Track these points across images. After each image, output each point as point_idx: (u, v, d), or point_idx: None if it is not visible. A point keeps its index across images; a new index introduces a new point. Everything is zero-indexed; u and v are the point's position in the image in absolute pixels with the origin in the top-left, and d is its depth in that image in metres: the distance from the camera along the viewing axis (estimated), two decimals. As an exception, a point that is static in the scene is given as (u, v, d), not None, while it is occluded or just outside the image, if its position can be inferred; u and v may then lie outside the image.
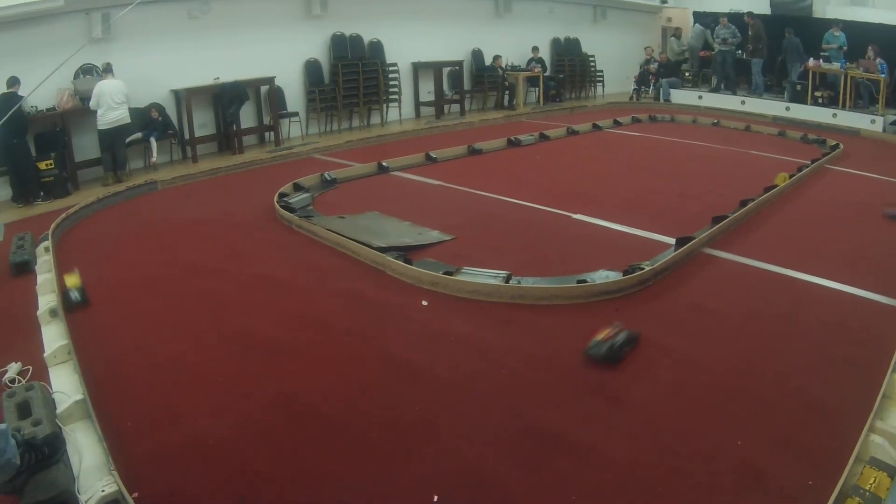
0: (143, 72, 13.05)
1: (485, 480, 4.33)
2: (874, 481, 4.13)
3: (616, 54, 25.43)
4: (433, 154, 13.74)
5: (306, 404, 5.19)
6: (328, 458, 4.54)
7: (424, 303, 6.97)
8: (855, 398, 5.17)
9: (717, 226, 9.04)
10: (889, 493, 4.08)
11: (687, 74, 24.30)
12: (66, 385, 5.29)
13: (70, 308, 6.78)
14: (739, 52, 21.95)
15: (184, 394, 5.36)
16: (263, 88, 15.33)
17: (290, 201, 10.17)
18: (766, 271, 7.99)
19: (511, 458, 4.54)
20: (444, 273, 7.34)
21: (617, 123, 19.16)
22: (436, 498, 4.13)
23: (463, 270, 7.46)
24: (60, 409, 4.81)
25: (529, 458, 4.56)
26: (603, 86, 25.00)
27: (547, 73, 22.43)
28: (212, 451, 4.59)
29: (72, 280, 7.05)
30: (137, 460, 4.44)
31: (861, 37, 19.47)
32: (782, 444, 4.70)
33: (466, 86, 20.41)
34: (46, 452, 4.08)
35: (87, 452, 4.40)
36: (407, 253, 8.05)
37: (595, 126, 18.40)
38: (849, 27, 19.88)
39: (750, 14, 21.16)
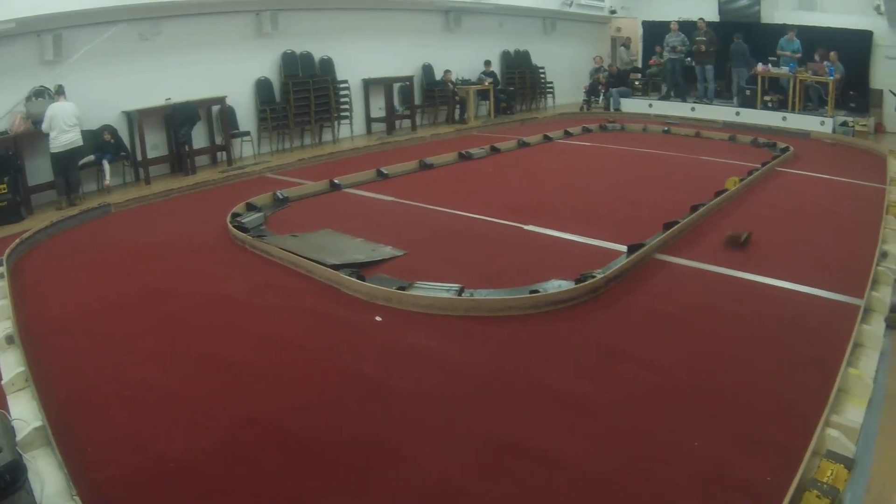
0: (94, 94, 12.98)
1: (449, 492, 4.44)
2: (831, 474, 4.30)
3: (566, 65, 25.70)
4: (385, 170, 13.83)
5: (269, 423, 5.24)
6: (293, 476, 4.59)
7: (378, 318, 7.04)
8: (811, 393, 5.36)
9: (668, 231, 9.24)
10: (847, 484, 4.24)
11: (636, 83, 24.53)
12: (25, 412, 5.29)
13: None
14: (688, 59, 22.18)
15: (146, 417, 5.38)
16: (215, 108, 15.31)
17: (244, 221, 10.20)
18: (719, 274, 8.20)
19: (475, 469, 4.65)
20: (398, 288, 7.42)
21: (568, 134, 19.33)
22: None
23: (416, 285, 7.55)
24: (20, 436, 4.80)
25: (493, 467, 4.65)
26: (553, 97, 25.23)
27: (498, 86, 22.55)
28: (176, 475, 4.62)
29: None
30: (102, 486, 4.47)
31: (810, 41, 19.88)
32: (742, 441, 4.87)
33: (417, 101, 20.47)
34: (8, 480, 4.09)
35: (48, 479, 4.42)
36: (360, 269, 8.12)
37: (546, 137, 18.56)
38: (797, 31, 20.25)
39: (702, 20, 21.41)
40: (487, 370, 6.05)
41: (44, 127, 11.64)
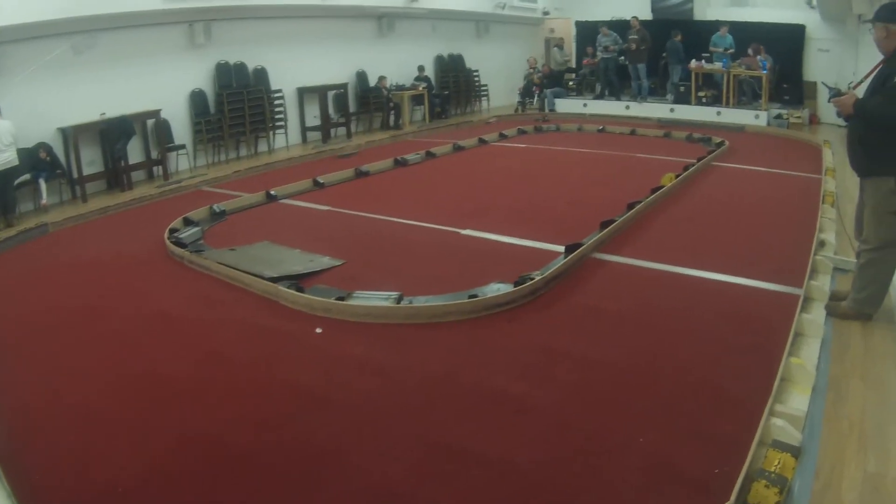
0: (29, 110, 12.67)
1: (394, 497, 4.40)
2: (779, 463, 4.34)
3: (500, 67, 25.85)
4: (320, 179, 13.75)
5: (213, 440, 5.16)
6: (239, 492, 4.53)
7: (318, 330, 6.99)
8: (754, 384, 5.42)
9: (605, 230, 9.29)
10: (795, 472, 4.30)
11: (570, 84, 24.66)
12: (-33, 443, 5.16)
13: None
14: (622, 58, 22.39)
15: (91, 441, 5.25)
16: (150, 122, 15.08)
17: (181, 236, 10.05)
18: (657, 271, 8.28)
19: (419, 474, 4.62)
20: (337, 299, 7.37)
21: (503, 136, 19.40)
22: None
23: (355, 294, 7.51)
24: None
25: (438, 472, 4.63)
26: (488, 100, 25.32)
27: (432, 91, 22.58)
28: (123, 499, 4.52)
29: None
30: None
31: (743, 36, 20.25)
32: (689, 434, 4.90)
33: (352, 108, 20.42)
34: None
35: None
36: (299, 281, 8.06)
37: (481, 140, 18.60)
38: (731, 27, 20.64)
39: (635, 18, 21.68)
40: (428, 376, 6.04)
41: (-22, 146, 11.38)
